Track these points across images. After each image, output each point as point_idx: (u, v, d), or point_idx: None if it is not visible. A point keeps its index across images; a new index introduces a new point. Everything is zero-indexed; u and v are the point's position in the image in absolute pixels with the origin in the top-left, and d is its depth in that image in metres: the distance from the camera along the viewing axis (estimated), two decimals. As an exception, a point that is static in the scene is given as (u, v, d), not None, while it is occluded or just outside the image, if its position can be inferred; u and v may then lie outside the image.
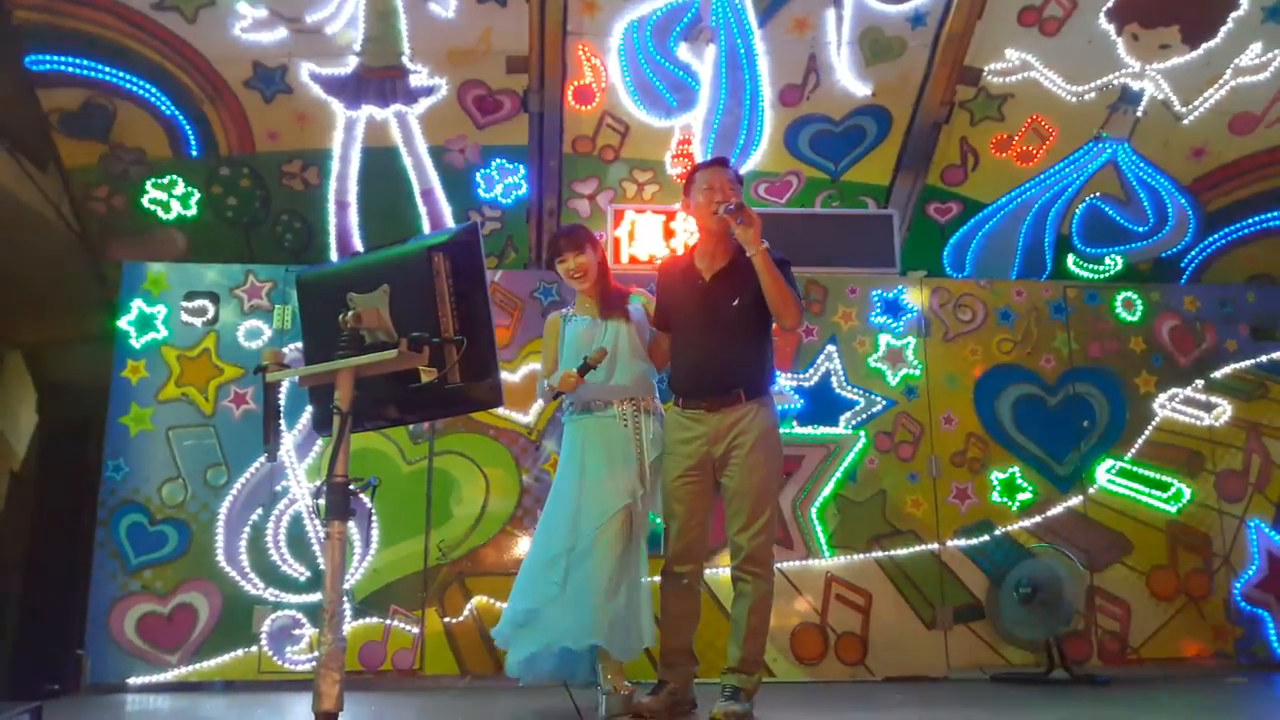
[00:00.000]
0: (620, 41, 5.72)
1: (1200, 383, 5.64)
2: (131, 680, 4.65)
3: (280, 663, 4.74)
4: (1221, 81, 5.97)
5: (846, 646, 5.03)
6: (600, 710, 3.47)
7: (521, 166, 5.91)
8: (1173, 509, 5.43)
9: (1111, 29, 5.82)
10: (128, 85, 5.47)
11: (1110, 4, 5.70)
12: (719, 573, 4.75)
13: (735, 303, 3.48)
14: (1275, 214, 6.38)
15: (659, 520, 3.72)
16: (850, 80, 5.87)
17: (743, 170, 5.97)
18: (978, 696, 4.36)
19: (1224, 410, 5.62)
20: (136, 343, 5.01)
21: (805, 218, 5.81)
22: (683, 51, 5.83)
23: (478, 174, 5.92)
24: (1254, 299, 5.86)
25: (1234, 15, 5.76)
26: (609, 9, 5.64)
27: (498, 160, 5.91)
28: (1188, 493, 5.45)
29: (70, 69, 5.35)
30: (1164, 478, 5.46)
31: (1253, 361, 5.71)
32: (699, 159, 5.89)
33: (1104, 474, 5.42)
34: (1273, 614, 5.38)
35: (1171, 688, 4.66)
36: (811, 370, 5.34)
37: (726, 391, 3.47)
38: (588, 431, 3.68)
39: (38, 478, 6.85)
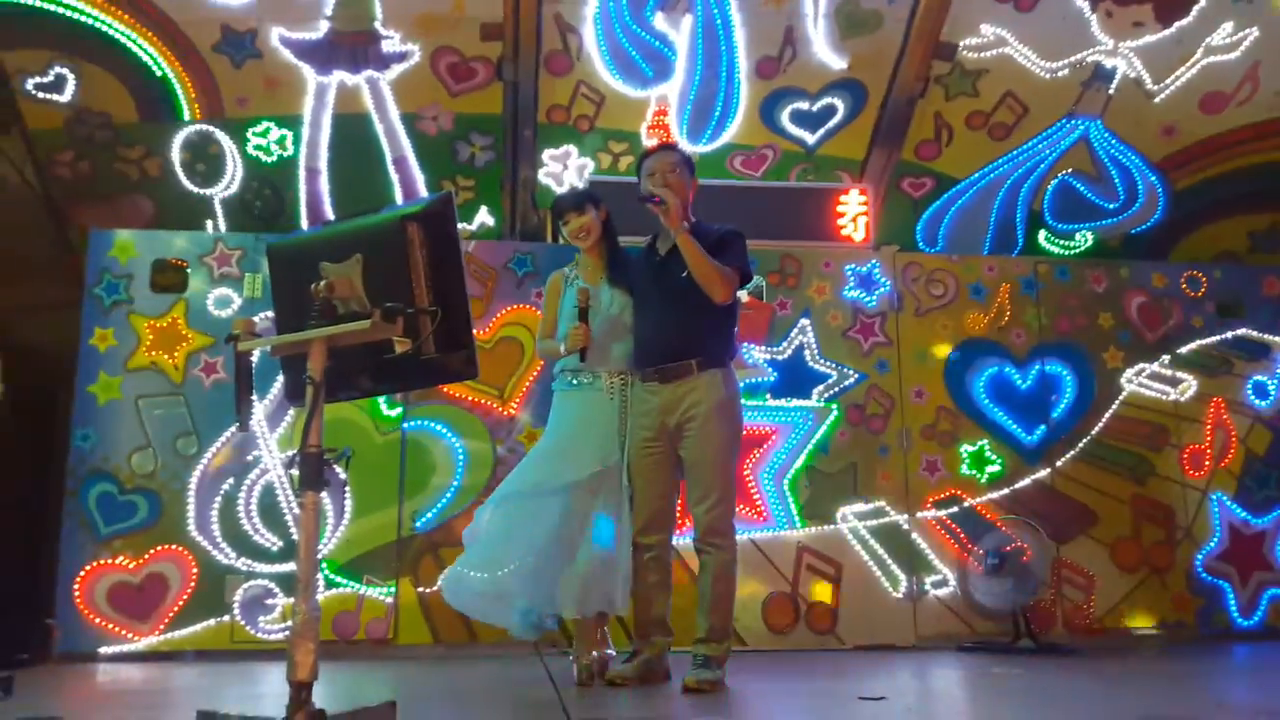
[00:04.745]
0: (596, 10, 5.66)
1: (1166, 358, 5.73)
2: (102, 650, 4.63)
3: (253, 632, 4.73)
4: (1193, 60, 6.01)
5: (817, 615, 5.10)
6: (574, 675, 3.54)
7: (495, 135, 5.86)
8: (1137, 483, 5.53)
9: (1086, 6, 5.84)
10: (93, 47, 5.35)
11: (1085, -20, 5.73)
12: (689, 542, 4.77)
13: (685, 274, 3.50)
14: (1243, 192, 6.44)
15: None
16: (826, 53, 5.85)
17: (719, 143, 5.96)
18: (945, 665, 4.43)
19: (1189, 385, 5.71)
20: (104, 310, 4.94)
21: (780, 191, 5.83)
22: (659, 21, 5.78)
23: (451, 142, 5.86)
24: (1220, 276, 5.94)
25: (1206, -7, 5.80)
26: (585, -25, 5.58)
27: (471, 129, 5.86)
28: (1152, 466, 5.56)
29: (34, 28, 5.22)
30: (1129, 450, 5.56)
31: (1218, 338, 5.80)
32: (675, 130, 5.88)
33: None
34: (1233, 585, 5.50)
35: (1133, 657, 4.76)
36: (785, 344, 5.37)
37: (677, 361, 3.51)
38: (569, 403, 3.65)
39: (3, 446, 6.77)
